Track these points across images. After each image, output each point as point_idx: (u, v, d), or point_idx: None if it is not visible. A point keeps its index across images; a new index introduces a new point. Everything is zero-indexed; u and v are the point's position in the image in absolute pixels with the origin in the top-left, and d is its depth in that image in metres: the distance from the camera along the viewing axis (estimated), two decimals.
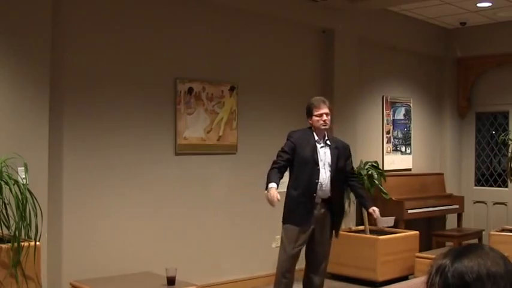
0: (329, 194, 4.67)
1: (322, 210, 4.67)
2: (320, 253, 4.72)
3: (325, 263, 4.79)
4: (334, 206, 4.75)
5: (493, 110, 8.53)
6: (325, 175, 4.65)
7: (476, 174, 8.68)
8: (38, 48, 4.59)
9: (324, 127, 4.68)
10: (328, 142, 4.73)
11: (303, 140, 4.68)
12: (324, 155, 4.69)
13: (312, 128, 4.71)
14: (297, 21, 6.60)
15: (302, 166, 4.62)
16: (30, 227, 3.82)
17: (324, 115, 4.66)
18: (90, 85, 5.05)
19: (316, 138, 4.71)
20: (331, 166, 4.68)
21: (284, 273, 4.63)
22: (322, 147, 4.71)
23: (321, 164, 4.64)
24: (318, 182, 4.60)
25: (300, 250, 4.67)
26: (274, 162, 4.62)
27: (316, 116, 4.66)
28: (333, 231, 4.80)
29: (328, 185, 4.66)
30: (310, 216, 4.60)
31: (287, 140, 4.72)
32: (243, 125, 6.09)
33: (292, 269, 4.67)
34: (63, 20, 4.85)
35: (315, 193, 4.60)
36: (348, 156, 4.86)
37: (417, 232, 6.70)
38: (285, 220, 4.65)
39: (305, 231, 4.61)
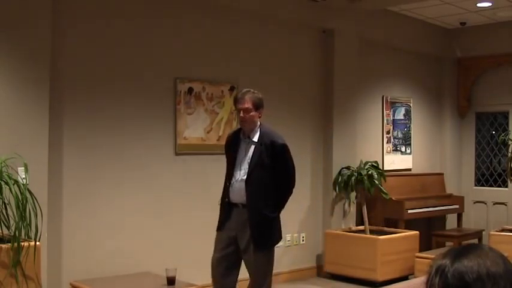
0: (244, 198, 4.03)
1: (243, 217, 4.03)
2: (247, 263, 4.09)
3: (256, 277, 4.07)
4: (251, 214, 3.99)
5: (493, 110, 8.53)
6: (238, 176, 4.05)
7: (476, 174, 8.68)
8: (38, 48, 4.59)
9: (243, 125, 4.09)
10: (253, 138, 4.07)
11: (232, 139, 4.21)
12: (244, 154, 4.06)
13: None
14: (297, 21, 6.60)
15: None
16: (30, 227, 3.82)
17: (242, 111, 4.02)
18: (89, 85, 5.05)
19: (242, 135, 4.13)
20: (249, 165, 4.02)
21: (213, 280, 4.17)
22: (245, 145, 4.09)
23: (238, 164, 4.06)
24: (229, 185, 4.10)
25: (222, 257, 4.09)
26: None
27: (236, 111, 4.16)
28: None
29: (243, 187, 4.02)
30: (226, 221, 4.10)
31: None
32: None
33: (216, 277, 4.12)
34: (63, 20, 4.85)
35: (227, 197, 4.12)
36: (276, 155, 4.02)
37: (417, 232, 6.70)
38: None
39: (225, 236, 4.10)
